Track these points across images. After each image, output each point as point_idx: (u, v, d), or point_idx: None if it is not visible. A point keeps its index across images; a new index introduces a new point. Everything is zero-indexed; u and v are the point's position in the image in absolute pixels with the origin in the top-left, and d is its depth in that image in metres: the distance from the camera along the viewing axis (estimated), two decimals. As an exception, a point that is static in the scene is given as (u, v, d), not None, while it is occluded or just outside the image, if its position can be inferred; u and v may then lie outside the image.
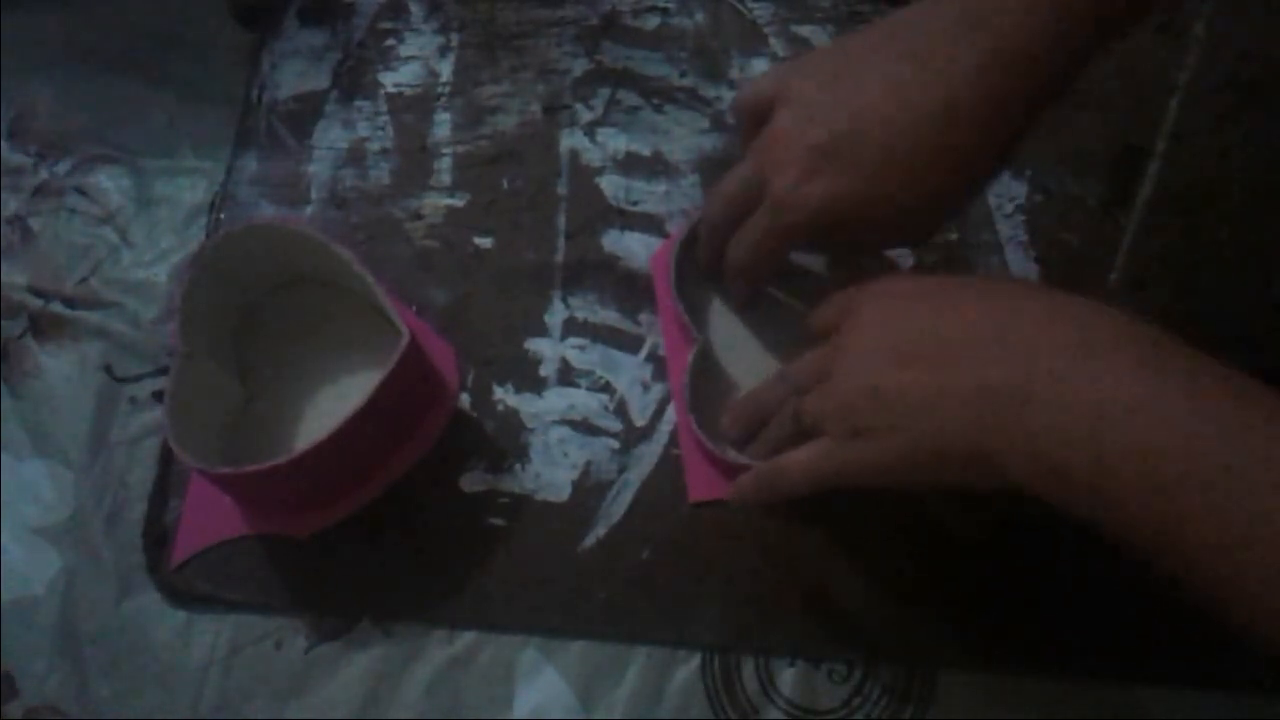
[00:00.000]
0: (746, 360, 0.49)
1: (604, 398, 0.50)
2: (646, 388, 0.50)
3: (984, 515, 0.45)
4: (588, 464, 0.49)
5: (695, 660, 0.46)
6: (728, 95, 0.57)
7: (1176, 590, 0.30)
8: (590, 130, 0.56)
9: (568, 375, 0.51)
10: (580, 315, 0.52)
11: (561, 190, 0.55)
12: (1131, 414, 0.30)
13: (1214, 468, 0.29)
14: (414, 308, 0.53)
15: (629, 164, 0.56)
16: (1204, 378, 0.31)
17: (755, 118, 0.43)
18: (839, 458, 0.37)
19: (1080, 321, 0.33)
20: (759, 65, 0.57)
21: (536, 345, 0.52)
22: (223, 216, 0.56)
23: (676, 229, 0.52)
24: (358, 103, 0.59)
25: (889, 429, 0.35)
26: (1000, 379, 0.33)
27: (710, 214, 0.46)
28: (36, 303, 0.56)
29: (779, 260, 0.44)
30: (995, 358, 0.33)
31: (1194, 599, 0.30)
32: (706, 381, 0.49)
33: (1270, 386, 0.30)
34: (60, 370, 0.54)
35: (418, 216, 0.55)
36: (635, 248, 0.53)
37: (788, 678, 0.45)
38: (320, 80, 0.60)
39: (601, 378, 0.51)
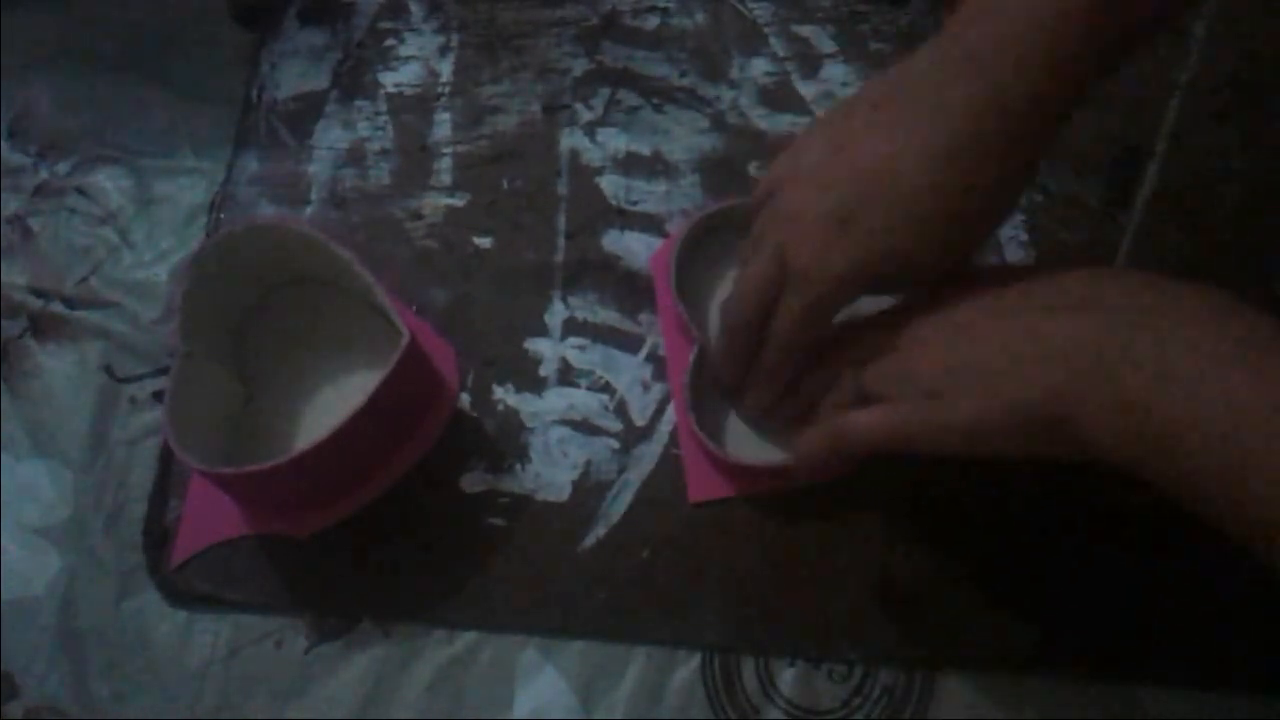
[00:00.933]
0: None
1: (604, 398, 0.50)
2: (646, 388, 0.50)
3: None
4: (588, 464, 0.49)
5: (695, 660, 0.46)
6: (728, 95, 0.57)
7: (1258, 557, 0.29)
8: (590, 130, 0.56)
9: (568, 375, 0.51)
10: (580, 315, 0.52)
11: (561, 190, 0.55)
12: (1233, 388, 0.29)
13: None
14: (414, 308, 0.53)
15: (629, 164, 0.56)
16: None
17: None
18: (914, 419, 0.36)
19: (1163, 295, 0.33)
20: (759, 65, 0.57)
21: (536, 345, 0.52)
22: (223, 216, 0.56)
23: (676, 229, 0.52)
24: (358, 103, 0.59)
25: (963, 391, 0.35)
26: (1096, 335, 0.32)
27: (733, 321, 0.43)
28: (36, 303, 0.56)
29: (815, 341, 0.42)
30: (1090, 318, 0.33)
31: (1270, 562, 0.29)
32: (707, 381, 0.49)
33: None
34: (60, 370, 0.54)
35: (418, 216, 0.55)
36: (635, 248, 0.53)
37: (788, 678, 0.45)
38: (320, 80, 0.60)
39: (601, 378, 0.51)
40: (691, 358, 0.48)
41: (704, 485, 0.48)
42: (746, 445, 0.48)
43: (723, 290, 0.51)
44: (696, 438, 0.47)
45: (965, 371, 0.35)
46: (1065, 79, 0.35)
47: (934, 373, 0.36)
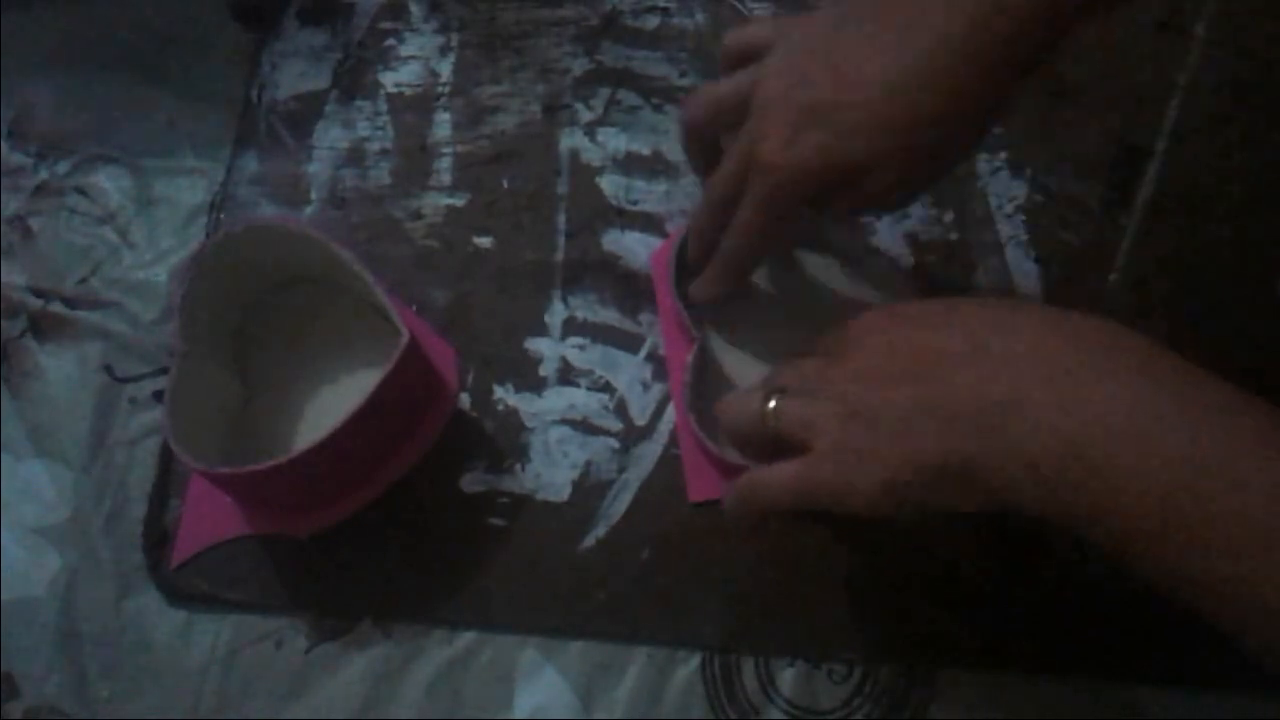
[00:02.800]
0: (746, 360, 0.49)
1: (604, 397, 0.50)
2: (646, 387, 0.50)
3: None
4: (588, 464, 0.49)
5: (695, 660, 0.46)
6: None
7: (1173, 600, 0.30)
8: (590, 130, 0.56)
9: (568, 375, 0.51)
10: (580, 315, 0.52)
11: (561, 190, 0.55)
12: (1123, 431, 0.30)
13: (1208, 484, 0.29)
14: (414, 308, 0.53)
15: (629, 164, 0.56)
16: (1196, 391, 0.31)
17: (741, 62, 0.43)
18: (821, 475, 0.36)
19: (1073, 335, 0.33)
20: (759, 65, 0.57)
21: (536, 345, 0.52)
22: (223, 216, 0.56)
23: (676, 229, 0.52)
24: (358, 103, 0.59)
25: (873, 449, 0.34)
26: (991, 393, 0.33)
27: (701, 205, 0.45)
28: (36, 303, 0.55)
29: (775, 234, 0.43)
30: (986, 372, 0.33)
31: (1191, 608, 0.30)
32: (706, 381, 0.49)
33: (1263, 398, 0.30)
34: (60, 370, 0.54)
35: (418, 216, 0.55)
36: (635, 247, 0.53)
37: (788, 678, 0.45)
38: (320, 80, 0.60)
39: (601, 377, 0.51)
40: (690, 357, 0.48)
41: (704, 486, 0.48)
42: None
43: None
44: (696, 438, 0.47)
45: (873, 430, 0.35)
46: (1054, 10, 0.36)
47: (849, 430, 0.35)
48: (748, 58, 0.43)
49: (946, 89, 0.37)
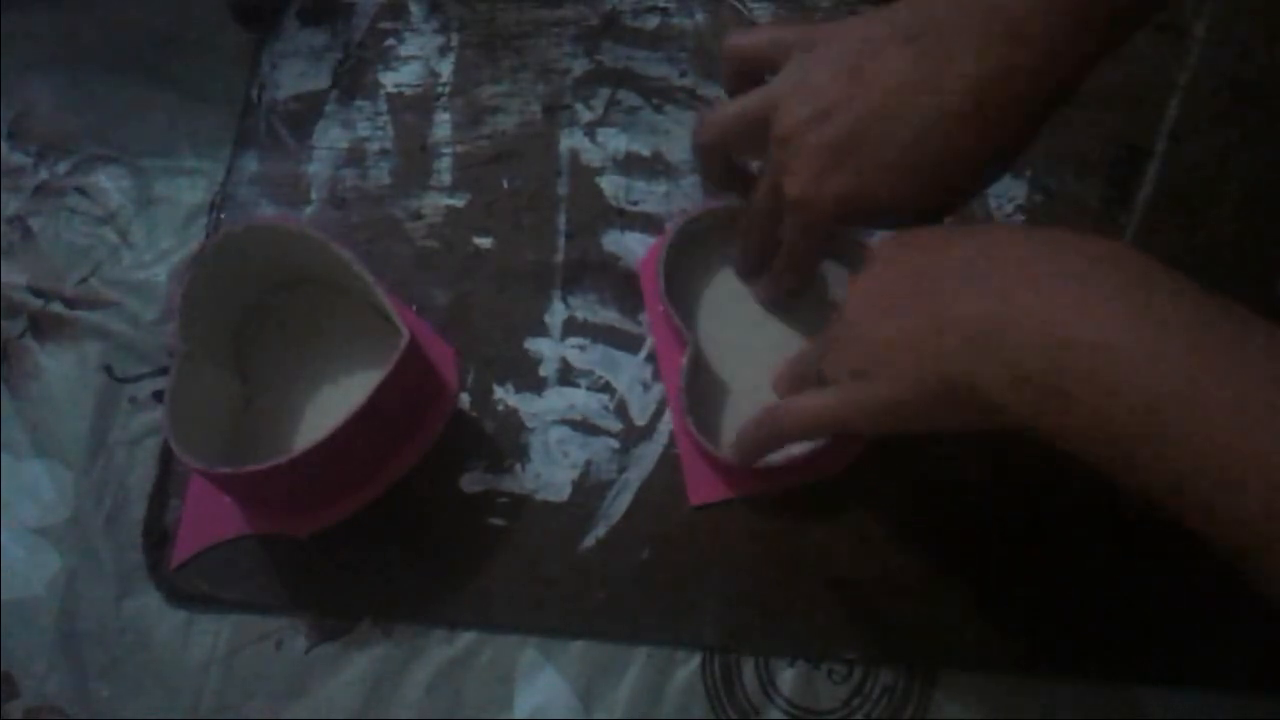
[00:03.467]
0: (737, 361, 0.49)
1: (604, 397, 0.50)
2: (646, 387, 0.50)
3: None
4: (588, 464, 0.49)
5: (695, 660, 0.46)
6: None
7: (1168, 517, 0.29)
8: (590, 130, 0.56)
9: (568, 375, 0.51)
10: (580, 315, 0.52)
11: (561, 190, 0.55)
12: (1095, 349, 0.30)
13: (1204, 398, 0.28)
14: (414, 308, 0.53)
15: (629, 164, 0.56)
16: (1195, 305, 0.31)
17: (746, 69, 0.43)
18: (837, 399, 0.38)
19: (1058, 254, 0.33)
20: (759, 65, 0.57)
21: (536, 345, 0.52)
22: (223, 216, 0.56)
23: (663, 233, 0.52)
24: (358, 103, 0.59)
25: (879, 371, 0.36)
26: (976, 312, 0.33)
27: (743, 239, 0.48)
28: (36, 303, 0.56)
29: (815, 258, 0.46)
30: (972, 292, 0.33)
31: (1185, 526, 0.29)
32: (700, 384, 0.49)
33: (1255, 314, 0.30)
34: (60, 370, 0.54)
35: (418, 216, 0.55)
36: (635, 248, 0.53)
37: (788, 678, 0.45)
38: (320, 80, 0.60)
39: (601, 377, 0.51)
40: (685, 360, 0.48)
41: (703, 488, 0.48)
42: None
43: (712, 291, 0.51)
44: (694, 441, 0.47)
45: (876, 355, 0.36)
46: (1082, 41, 0.35)
47: (857, 354, 0.37)
48: (754, 68, 0.43)
49: (977, 130, 0.37)
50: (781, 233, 0.44)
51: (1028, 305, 0.32)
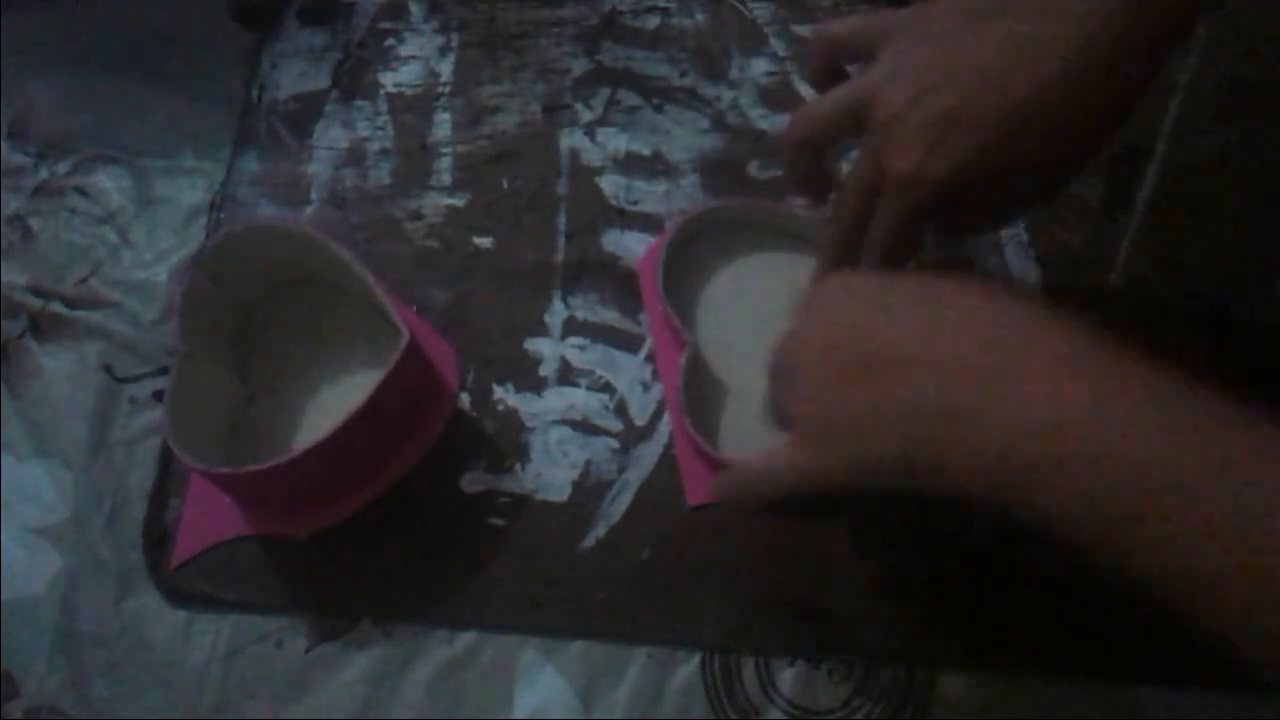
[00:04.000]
0: (737, 361, 0.49)
1: (604, 397, 0.50)
2: (646, 387, 0.50)
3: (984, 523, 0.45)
4: (588, 464, 0.49)
5: (695, 660, 0.46)
6: (728, 95, 0.57)
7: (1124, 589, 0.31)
8: (590, 130, 0.56)
9: (568, 375, 0.51)
10: (580, 315, 0.52)
11: (561, 190, 0.55)
12: (1043, 429, 0.31)
13: (1129, 478, 0.30)
14: (414, 308, 0.53)
15: (629, 164, 0.56)
16: (1118, 379, 0.32)
17: (838, 58, 0.42)
18: (791, 464, 0.37)
19: (997, 329, 0.34)
20: (759, 65, 0.57)
21: (536, 345, 0.52)
22: (223, 216, 0.56)
23: (663, 233, 0.52)
24: (358, 103, 0.59)
25: (835, 440, 0.36)
26: (925, 399, 0.33)
27: (839, 219, 0.44)
28: (36, 303, 0.55)
29: (917, 240, 0.42)
30: (920, 377, 0.34)
31: (1136, 595, 0.30)
32: (699, 383, 0.49)
33: (1191, 384, 0.31)
34: (60, 370, 0.54)
35: (418, 216, 0.55)
36: (635, 248, 0.53)
37: (788, 678, 0.45)
38: (320, 80, 0.60)
39: (601, 377, 0.51)
40: (683, 360, 0.48)
41: (700, 489, 0.47)
42: (743, 447, 0.47)
43: (712, 290, 0.51)
44: (693, 442, 0.47)
45: (829, 424, 0.36)
46: None
47: (808, 418, 0.37)
48: (846, 57, 0.42)
49: (1097, 74, 0.36)
50: (874, 224, 0.42)
51: (975, 395, 0.32)
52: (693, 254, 0.51)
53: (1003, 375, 0.32)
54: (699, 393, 0.48)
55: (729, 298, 0.51)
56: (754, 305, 0.51)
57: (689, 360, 0.48)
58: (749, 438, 0.48)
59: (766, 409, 0.42)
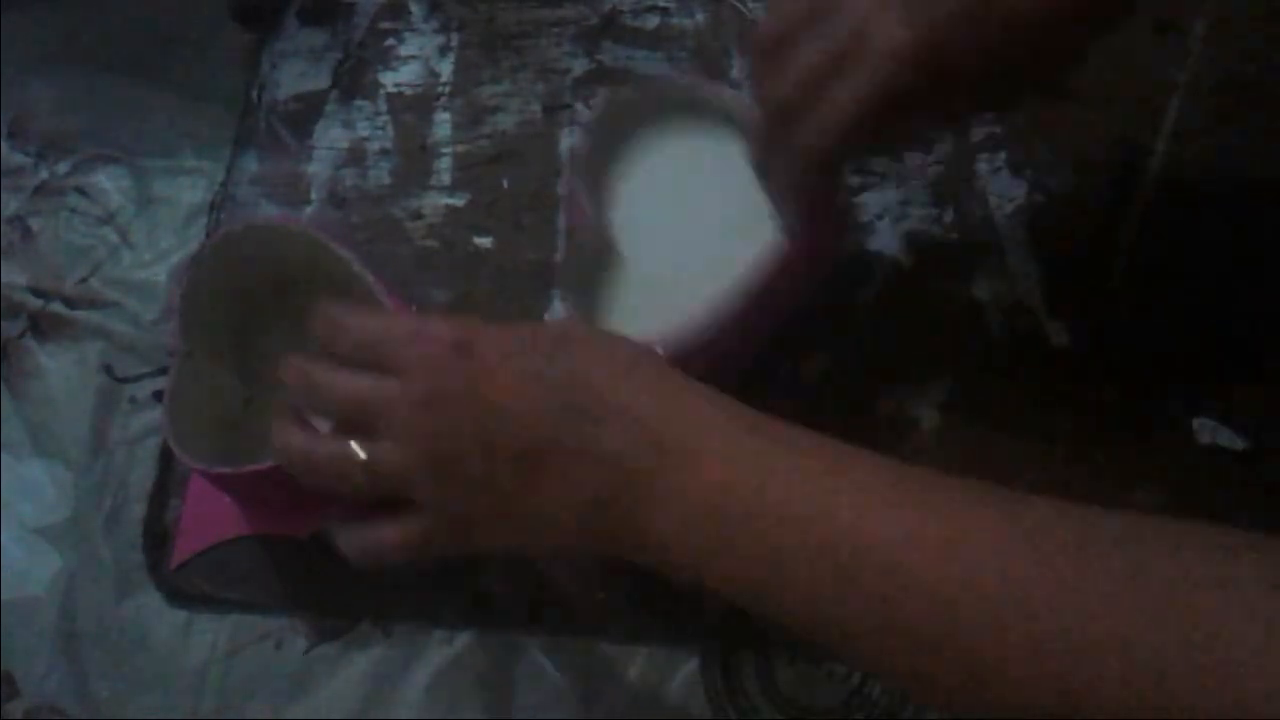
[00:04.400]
0: (649, 245, 0.49)
1: (604, 398, 0.50)
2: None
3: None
4: (588, 464, 0.49)
5: (695, 660, 0.46)
6: (727, 95, 0.57)
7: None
8: (590, 130, 0.56)
9: (568, 375, 0.51)
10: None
11: (562, 190, 0.55)
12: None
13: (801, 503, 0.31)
14: (414, 308, 0.53)
15: (629, 164, 0.55)
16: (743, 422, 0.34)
17: (776, 47, 0.39)
18: (447, 544, 0.37)
19: (653, 421, 0.34)
20: (759, 65, 0.57)
21: (536, 345, 0.52)
22: (223, 216, 0.56)
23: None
24: (358, 103, 0.59)
25: (504, 524, 0.35)
26: (599, 490, 0.34)
27: (777, 93, 0.39)
28: (36, 303, 0.55)
29: (868, 133, 0.38)
30: (584, 467, 0.34)
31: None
32: (600, 263, 0.49)
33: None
34: (60, 370, 0.54)
35: (418, 216, 0.55)
36: (635, 248, 0.53)
37: (788, 678, 0.45)
38: (320, 80, 0.60)
39: (601, 378, 0.51)
40: (574, 235, 0.49)
41: None
42: (632, 325, 0.45)
43: (631, 171, 0.50)
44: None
45: (467, 497, 0.35)
46: None
47: (440, 489, 0.35)
48: (787, 35, 0.38)
49: None
50: (832, 101, 0.37)
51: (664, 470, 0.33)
52: (616, 134, 0.51)
53: (680, 457, 0.33)
54: (596, 272, 0.49)
55: (649, 179, 0.50)
56: (674, 188, 0.50)
57: (584, 234, 0.49)
58: (637, 315, 0.48)
59: (333, 463, 0.37)
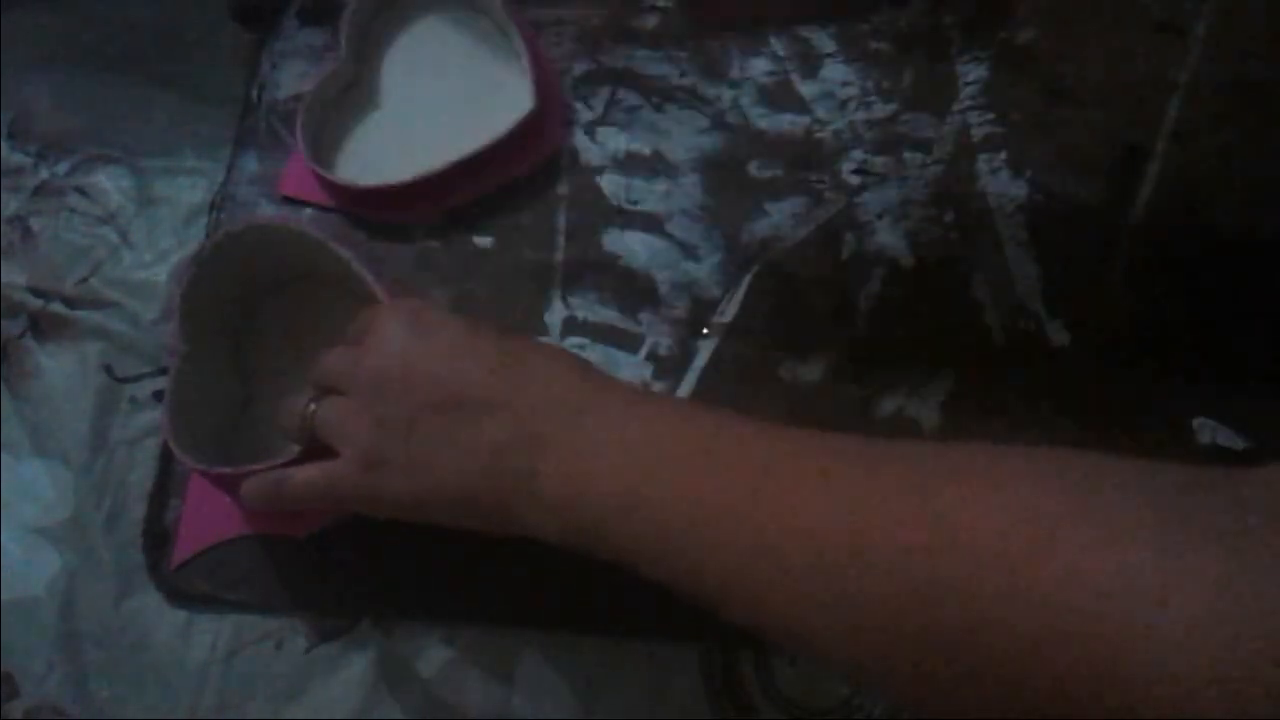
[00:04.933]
0: (411, 104, 0.56)
1: (604, 398, 0.50)
2: (647, 387, 0.50)
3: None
4: (588, 464, 0.49)
5: (695, 660, 0.46)
6: (728, 95, 0.57)
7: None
8: (590, 130, 0.56)
9: (568, 375, 0.51)
10: (580, 314, 0.52)
11: (561, 190, 0.55)
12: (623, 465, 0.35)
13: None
14: (414, 308, 0.53)
15: (629, 163, 0.56)
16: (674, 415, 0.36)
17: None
18: (353, 482, 0.39)
19: (573, 378, 0.37)
20: (759, 65, 0.57)
21: (536, 345, 0.52)
22: (223, 216, 0.56)
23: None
24: (358, 103, 0.59)
25: (409, 466, 0.37)
26: (511, 439, 0.36)
27: None
28: (36, 303, 0.55)
29: None
30: (506, 420, 0.36)
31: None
32: (364, 111, 0.56)
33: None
34: (60, 370, 0.54)
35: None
36: (635, 247, 0.53)
37: (788, 678, 0.45)
38: (320, 80, 0.60)
39: (601, 378, 0.51)
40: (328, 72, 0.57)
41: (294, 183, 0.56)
42: (364, 172, 0.55)
43: (410, 33, 0.59)
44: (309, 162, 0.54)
45: (408, 450, 0.37)
46: None
47: (381, 439, 0.38)
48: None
49: None
50: None
51: (521, 441, 0.36)
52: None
53: (584, 415, 0.36)
54: (346, 110, 0.56)
55: (412, 45, 0.58)
56: (435, 58, 0.57)
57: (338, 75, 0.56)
58: (379, 155, 0.55)
59: (287, 416, 0.42)
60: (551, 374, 0.37)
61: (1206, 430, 0.46)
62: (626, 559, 0.34)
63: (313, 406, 0.41)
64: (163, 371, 0.53)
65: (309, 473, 0.40)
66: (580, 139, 0.56)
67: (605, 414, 0.36)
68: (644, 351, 0.51)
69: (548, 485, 0.35)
